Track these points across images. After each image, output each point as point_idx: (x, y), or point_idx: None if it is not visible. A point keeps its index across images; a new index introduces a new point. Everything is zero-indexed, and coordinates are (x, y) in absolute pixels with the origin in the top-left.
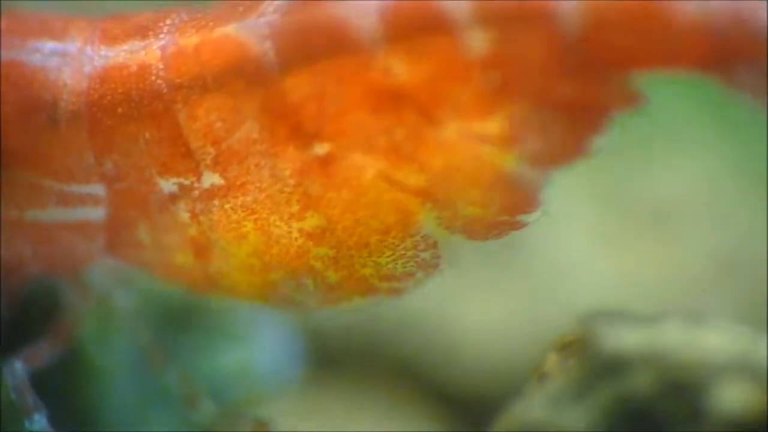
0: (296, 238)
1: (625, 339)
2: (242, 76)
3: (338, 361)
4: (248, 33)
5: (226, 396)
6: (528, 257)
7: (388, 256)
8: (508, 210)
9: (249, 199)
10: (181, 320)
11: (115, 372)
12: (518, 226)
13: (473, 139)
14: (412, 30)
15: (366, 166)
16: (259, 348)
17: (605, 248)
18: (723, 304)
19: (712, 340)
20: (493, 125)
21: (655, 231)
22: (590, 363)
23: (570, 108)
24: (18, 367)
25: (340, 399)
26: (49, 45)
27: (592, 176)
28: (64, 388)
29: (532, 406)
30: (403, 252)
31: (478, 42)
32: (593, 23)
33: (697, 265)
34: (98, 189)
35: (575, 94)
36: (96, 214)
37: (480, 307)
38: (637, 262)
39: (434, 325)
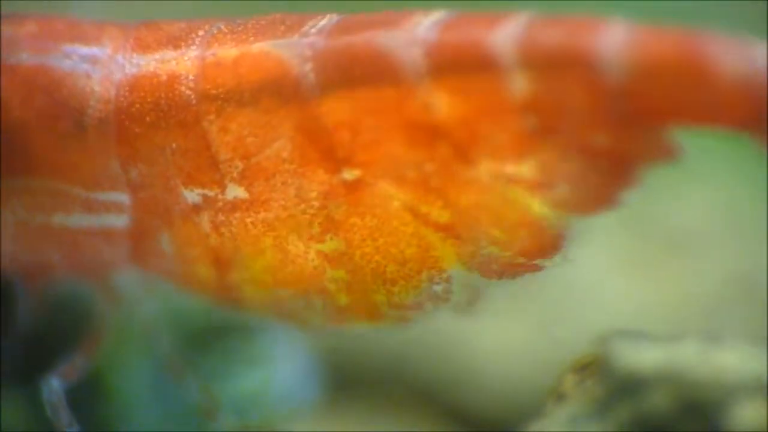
0: (313, 259)
1: (641, 359)
2: (279, 94)
3: (356, 383)
4: (290, 52)
5: (244, 418)
6: (547, 280)
7: (401, 286)
8: (527, 253)
9: (271, 215)
10: (199, 343)
11: (134, 394)
12: (535, 269)
13: (504, 180)
14: (455, 66)
15: (392, 196)
16: (277, 371)
17: (624, 272)
18: (739, 325)
19: (728, 360)
20: (525, 168)
21: (672, 255)
22: (607, 383)
23: (604, 158)
24: (55, 384)
25: (358, 421)
26: (80, 51)
27: None
28: (82, 410)
29: (550, 426)
30: (417, 283)
31: (520, 84)
32: (637, 74)
33: (715, 288)
34: (123, 197)
35: (611, 144)
36: (120, 221)
37: (499, 329)
38: (655, 285)
39: (453, 346)
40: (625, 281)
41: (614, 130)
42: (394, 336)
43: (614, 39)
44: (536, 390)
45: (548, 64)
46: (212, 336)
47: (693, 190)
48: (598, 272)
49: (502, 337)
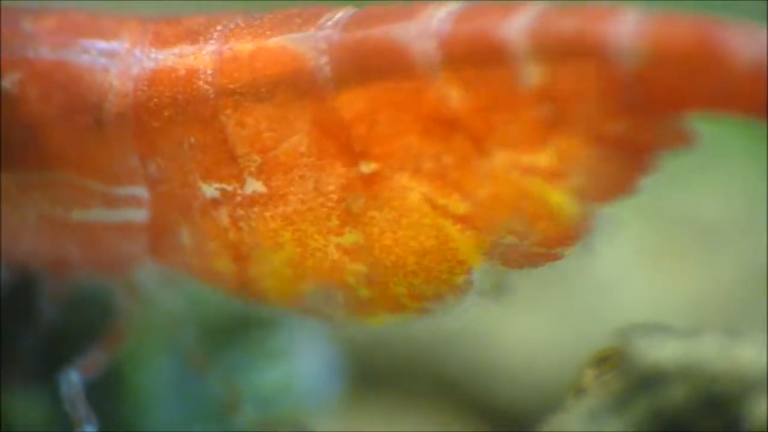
0: (332, 253)
1: (661, 353)
2: (295, 88)
3: (380, 378)
4: (305, 46)
5: (267, 412)
6: (569, 273)
7: (422, 278)
8: (547, 242)
9: (290, 209)
10: (222, 337)
11: (155, 388)
12: (555, 258)
13: (521, 170)
14: (469, 58)
15: (411, 189)
16: (300, 364)
17: (645, 265)
18: (760, 319)
19: (748, 354)
20: (542, 158)
21: (694, 248)
22: (627, 377)
23: (620, 145)
24: (74, 378)
25: (381, 415)
26: (98, 45)
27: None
28: (103, 407)
29: (570, 421)
30: (437, 275)
31: (534, 74)
32: (650, 61)
33: (736, 282)
34: (141, 191)
35: (627, 131)
36: (139, 216)
37: (521, 323)
38: (676, 278)
39: (475, 341)
40: (647, 275)
41: (629, 118)
42: (417, 329)
43: (627, 27)
44: (559, 384)
45: (561, 53)
46: (235, 330)
47: (714, 183)
48: (620, 266)
49: (524, 331)
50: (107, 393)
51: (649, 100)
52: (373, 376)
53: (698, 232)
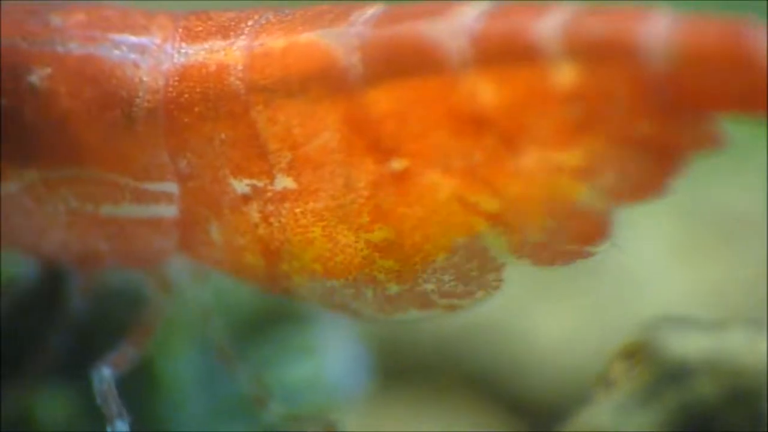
0: (362, 249)
1: (688, 346)
2: (327, 84)
3: (408, 371)
4: (337, 42)
5: (296, 407)
6: (598, 267)
7: (451, 275)
8: (576, 240)
9: (320, 205)
10: (251, 332)
11: (185, 383)
12: (585, 256)
13: (551, 168)
14: (501, 56)
15: (441, 186)
16: (328, 359)
17: (674, 259)
18: None
19: None
20: (571, 157)
21: (722, 241)
22: (654, 369)
23: (650, 146)
24: (106, 373)
25: (409, 410)
26: (129, 40)
27: None
28: (133, 399)
29: (598, 413)
30: (467, 272)
31: (565, 73)
32: (680, 63)
33: (763, 275)
34: (172, 187)
35: (657, 132)
36: (169, 211)
37: (550, 316)
38: (705, 272)
39: (504, 334)
40: (675, 268)
41: (659, 119)
42: (445, 324)
43: (658, 28)
44: (588, 377)
45: (593, 53)
46: (264, 325)
47: (742, 176)
48: (649, 260)
49: (553, 324)
50: (137, 388)
51: (679, 101)
52: (400, 370)
53: (726, 226)
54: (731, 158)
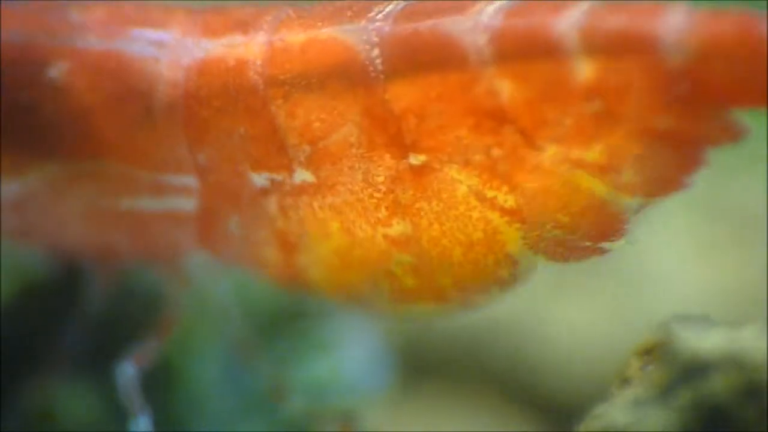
0: (380, 243)
1: (703, 343)
2: (346, 79)
3: (427, 368)
4: (357, 37)
5: (315, 404)
6: (617, 265)
7: (468, 270)
8: (593, 236)
9: (338, 200)
10: (270, 329)
11: (205, 379)
12: (601, 252)
13: (570, 164)
14: (520, 52)
15: (459, 181)
16: (348, 356)
17: (692, 257)
18: None
19: None
20: (591, 153)
21: (740, 241)
22: (670, 367)
23: (670, 141)
24: (129, 370)
25: (428, 406)
26: (148, 35)
27: None
28: (153, 395)
29: (614, 410)
30: (483, 267)
31: (584, 69)
32: (699, 57)
33: None
34: (191, 180)
35: (675, 126)
36: (188, 204)
37: (569, 314)
38: (722, 270)
39: (523, 333)
40: (693, 266)
41: (678, 113)
42: (464, 320)
43: (675, 22)
44: (606, 374)
45: (611, 49)
46: (284, 321)
47: (760, 176)
48: (667, 257)
49: (571, 321)
50: (158, 385)
51: (697, 96)
52: (420, 366)
53: (743, 225)
54: (750, 158)
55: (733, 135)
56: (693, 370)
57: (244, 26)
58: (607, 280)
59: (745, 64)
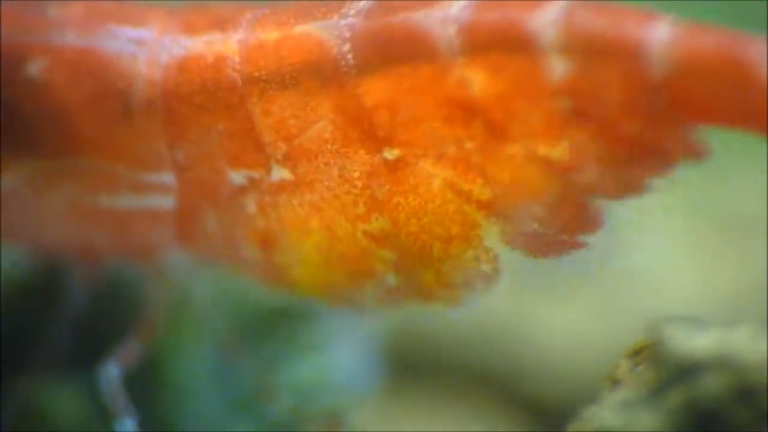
0: (360, 239)
1: (694, 344)
2: (319, 75)
3: (416, 370)
4: (329, 33)
5: (303, 405)
6: (606, 266)
7: (449, 265)
8: (570, 230)
9: (316, 196)
10: (258, 329)
11: (191, 379)
12: (578, 246)
13: (536, 160)
14: (490, 45)
15: (434, 175)
16: (336, 358)
17: (684, 258)
18: None
19: None
20: (556, 150)
21: (731, 241)
22: (660, 368)
23: (633, 147)
24: (112, 371)
25: (418, 408)
26: (127, 32)
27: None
28: (139, 398)
29: (604, 412)
30: (464, 262)
31: (558, 67)
32: (679, 71)
33: None
34: (169, 178)
35: (642, 135)
36: (166, 202)
37: (561, 316)
38: (714, 272)
39: (515, 334)
40: (687, 268)
41: (647, 122)
42: (456, 324)
43: (660, 34)
44: (596, 376)
45: (590, 50)
46: (271, 322)
47: (753, 178)
48: (658, 259)
49: (562, 323)
50: (145, 385)
51: (671, 109)
52: (409, 368)
53: (736, 227)
54: (743, 159)
55: (697, 154)
56: (683, 371)
57: (222, 24)
58: (599, 282)
59: (723, 83)
